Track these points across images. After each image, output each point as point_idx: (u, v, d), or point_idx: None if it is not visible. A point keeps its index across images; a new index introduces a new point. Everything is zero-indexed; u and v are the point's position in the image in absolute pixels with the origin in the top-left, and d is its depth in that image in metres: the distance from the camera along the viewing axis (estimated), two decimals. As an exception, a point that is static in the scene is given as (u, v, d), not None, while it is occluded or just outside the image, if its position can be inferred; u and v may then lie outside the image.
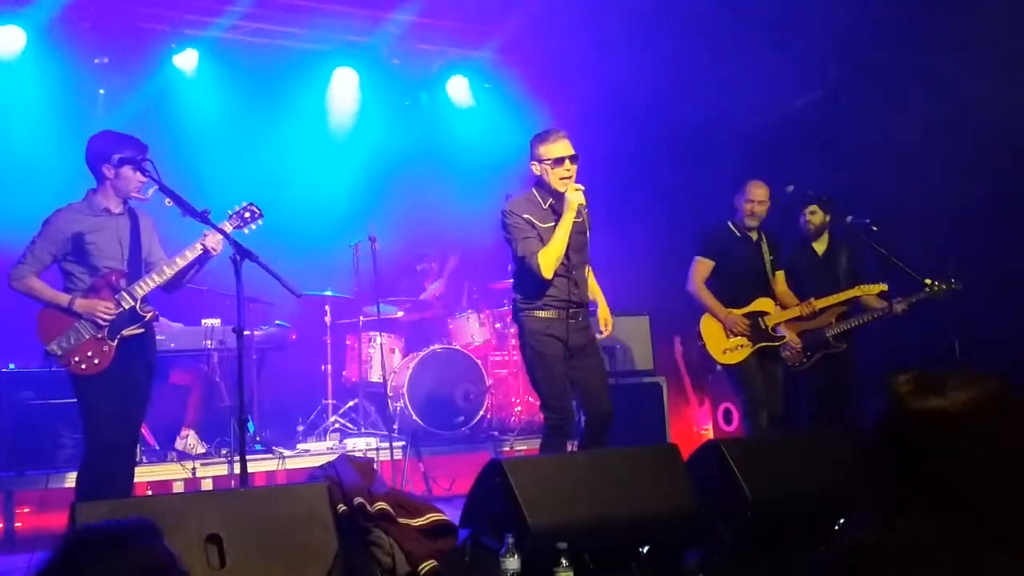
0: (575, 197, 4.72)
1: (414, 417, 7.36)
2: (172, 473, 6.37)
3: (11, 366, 6.16)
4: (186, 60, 8.48)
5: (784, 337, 6.10)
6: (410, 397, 7.40)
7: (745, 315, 6.04)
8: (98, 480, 4.43)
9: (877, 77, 7.11)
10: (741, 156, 7.59)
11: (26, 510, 6.34)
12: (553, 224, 4.80)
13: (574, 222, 4.78)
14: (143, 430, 6.21)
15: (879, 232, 6.05)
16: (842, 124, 7.33)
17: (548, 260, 4.72)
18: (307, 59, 8.96)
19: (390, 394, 7.32)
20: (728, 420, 7.26)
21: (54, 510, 5.86)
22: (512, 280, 5.12)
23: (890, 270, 6.04)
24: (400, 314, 8.25)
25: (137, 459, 5.71)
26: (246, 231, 4.76)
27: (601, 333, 5.19)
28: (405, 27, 8.94)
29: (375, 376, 7.55)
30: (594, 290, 5.21)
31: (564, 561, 3.60)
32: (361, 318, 7.78)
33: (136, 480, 5.16)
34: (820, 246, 6.49)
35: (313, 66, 9.02)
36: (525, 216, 4.82)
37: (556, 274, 4.77)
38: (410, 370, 7.47)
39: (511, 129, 9.47)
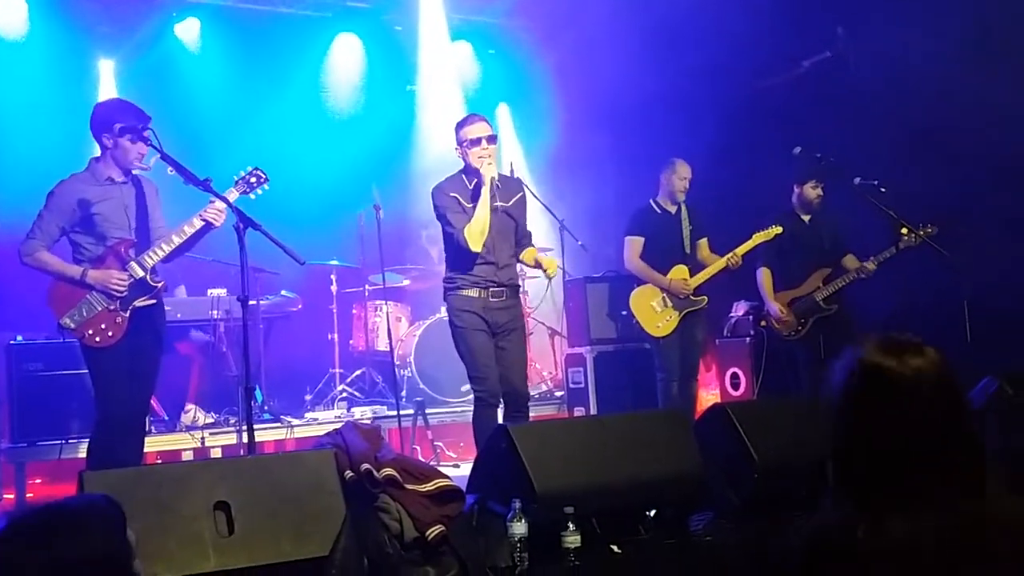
0: (488, 171, 5.00)
1: (421, 385, 7.38)
2: (181, 443, 6.42)
3: (19, 338, 6.16)
4: (187, 28, 8.44)
5: (706, 298, 6.33)
6: (417, 365, 7.42)
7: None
8: (109, 450, 4.43)
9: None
10: (744, 118, 7.56)
11: (38, 481, 6.40)
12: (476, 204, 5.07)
13: (501, 207, 5.09)
14: (152, 401, 6.24)
15: (886, 194, 6.02)
16: (848, 85, 7.24)
17: (472, 233, 4.97)
18: (310, 26, 8.89)
19: (397, 362, 7.33)
20: (736, 385, 7.25)
21: (66, 481, 5.90)
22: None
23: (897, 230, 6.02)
24: (406, 282, 8.24)
25: (147, 429, 5.75)
26: (252, 196, 4.71)
27: (546, 275, 5.37)
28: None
29: (382, 345, 7.55)
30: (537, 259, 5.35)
31: (571, 525, 3.62)
32: (367, 287, 7.79)
33: (145, 450, 5.18)
34: (806, 215, 6.50)
35: (315, 33, 8.96)
36: (451, 195, 5.08)
37: (480, 256, 5.01)
38: (416, 338, 7.49)
39: (514, 94, 9.44)
